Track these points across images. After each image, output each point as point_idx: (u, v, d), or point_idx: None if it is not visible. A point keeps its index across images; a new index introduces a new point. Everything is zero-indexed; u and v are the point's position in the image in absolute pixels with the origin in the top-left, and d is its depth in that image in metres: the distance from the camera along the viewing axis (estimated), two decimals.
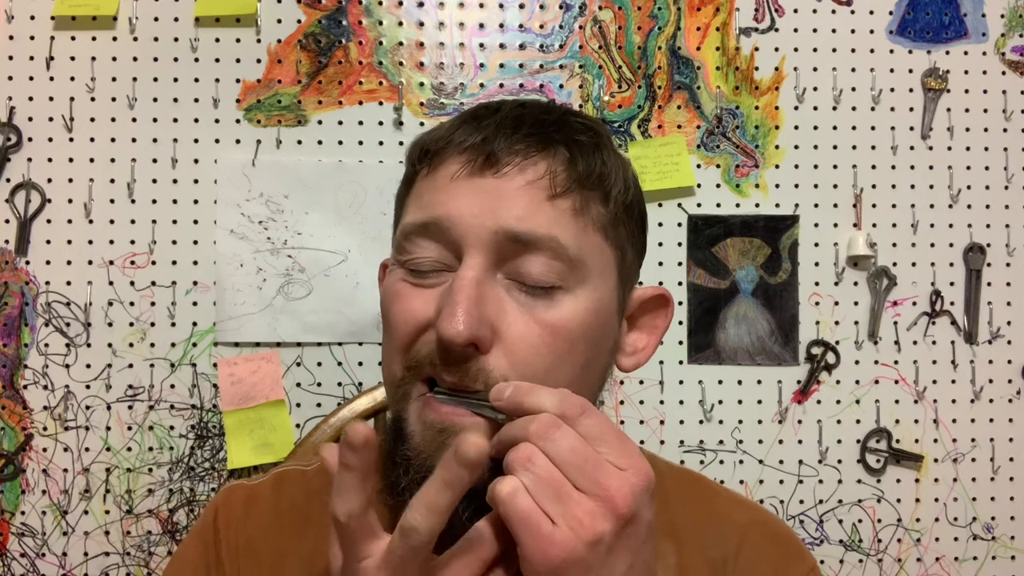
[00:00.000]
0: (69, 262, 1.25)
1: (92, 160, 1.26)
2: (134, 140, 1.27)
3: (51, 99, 1.26)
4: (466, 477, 0.44)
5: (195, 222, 1.26)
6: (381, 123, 1.29)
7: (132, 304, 1.25)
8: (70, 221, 1.25)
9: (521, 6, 1.31)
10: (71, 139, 1.26)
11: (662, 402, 1.30)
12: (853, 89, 1.34)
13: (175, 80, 1.27)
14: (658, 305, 0.68)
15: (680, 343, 1.30)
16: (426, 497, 0.45)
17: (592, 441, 0.47)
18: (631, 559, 0.47)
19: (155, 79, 1.27)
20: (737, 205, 1.31)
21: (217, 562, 0.70)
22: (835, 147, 1.33)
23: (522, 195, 0.58)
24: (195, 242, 1.26)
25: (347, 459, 0.46)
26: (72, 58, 1.27)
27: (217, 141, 1.27)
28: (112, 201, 1.26)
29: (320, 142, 1.28)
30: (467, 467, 0.44)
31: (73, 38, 1.27)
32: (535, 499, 0.45)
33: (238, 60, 1.28)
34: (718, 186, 1.31)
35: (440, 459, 0.48)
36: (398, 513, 0.52)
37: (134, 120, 1.27)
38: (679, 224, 1.31)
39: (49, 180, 1.25)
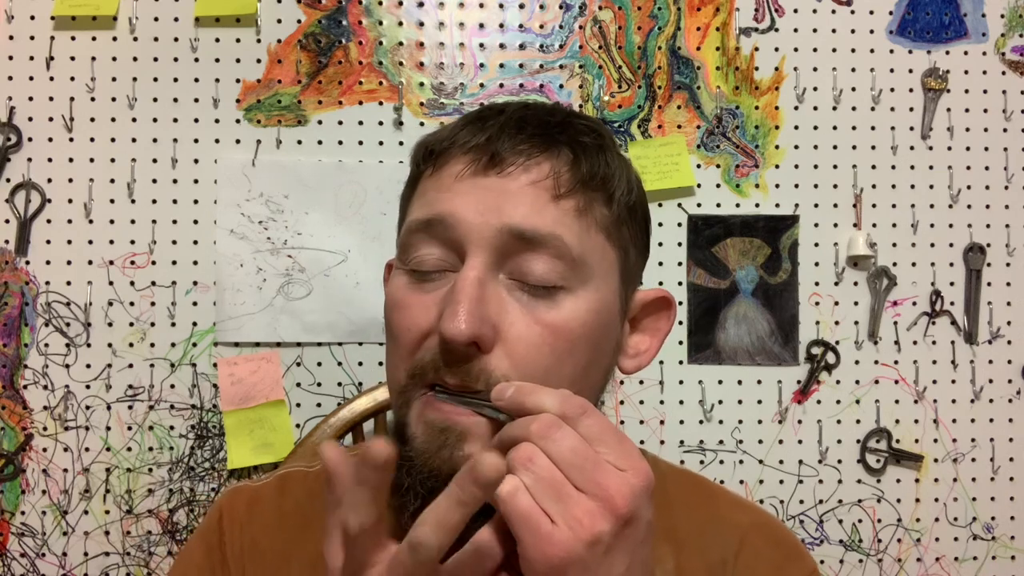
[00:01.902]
0: (69, 262, 1.25)
1: (92, 160, 1.26)
2: (134, 140, 1.27)
3: (51, 99, 1.26)
4: (480, 496, 0.45)
5: (195, 222, 1.26)
6: (381, 123, 1.29)
7: (132, 304, 1.25)
8: (70, 221, 1.25)
9: (521, 6, 1.31)
10: (71, 139, 1.26)
11: (662, 402, 1.30)
12: (853, 89, 1.34)
13: (175, 80, 1.27)
14: (660, 307, 0.68)
15: (680, 343, 1.30)
16: (437, 513, 0.45)
17: (592, 442, 0.47)
18: (629, 559, 0.47)
19: (155, 79, 1.27)
20: (737, 205, 1.31)
21: (222, 563, 0.70)
22: (835, 147, 1.33)
23: (526, 194, 0.58)
24: (195, 242, 1.26)
25: (364, 475, 0.46)
26: (72, 58, 1.27)
27: (217, 141, 1.27)
28: (112, 201, 1.26)
29: (320, 142, 1.28)
30: (482, 487, 0.45)
31: (73, 38, 1.27)
32: (535, 498, 0.46)
33: (238, 60, 1.28)
34: (718, 186, 1.31)
35: (442, 459, 0.48)
36: (400, 513, 0.52)
37: (134, 120, 1.27)
38: (679, 224, 1.31)
39: (49, 180, 1.25)
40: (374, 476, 0.46)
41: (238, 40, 1.28)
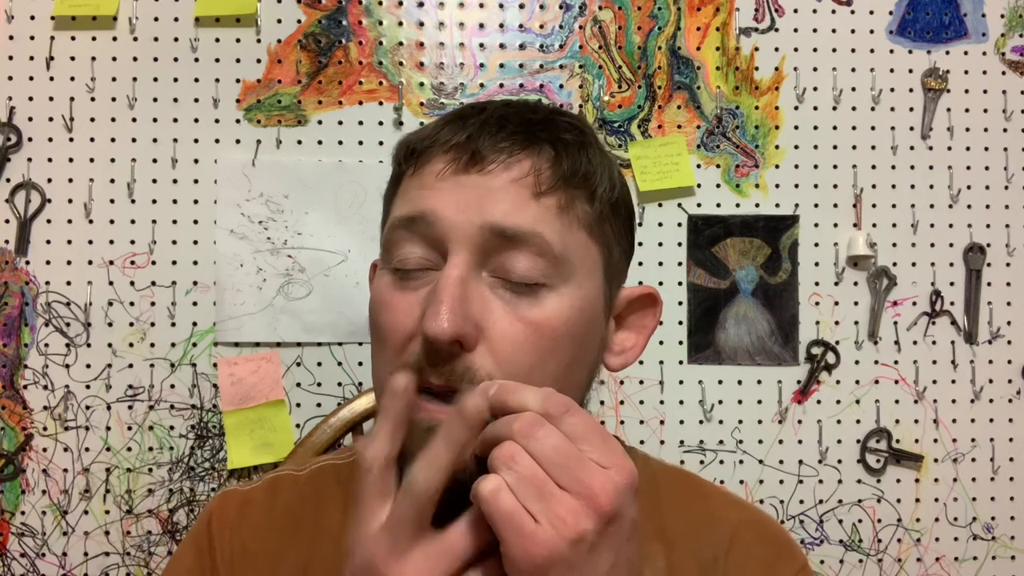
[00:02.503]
0: (69, 262, 1.25)
1: (92, 160, 1.26)
2: (134, 140, 1.27)
3: (51, 99, 1.26)
4: (464, 434, 0.47)
5: (195, 222, 1.26)
6: (381, 123, 1.29)
7: (132, 304, 1.25)
8: (70, 221, 1.25)
9: (521, 6, 1.31)
10: (71, 139, 1.26)
11: (662, 402, 1.30)
12: (853, 89, 1.34)
13: (175, 80, 1.28)
14: (646, 304, 0.68)
15: (680, 343, 1.30)
16: (427, 453, 0.48)
17: (575, 440, 0.47)
18: (614, 557, 0.47)
19: (155, 79, 1.27)
20: (737, 205, 1.31)
21: (212, 568, 0.70)
22: (835, 147, 1.33)
23: (507, 192, 0.58)
24: (195, 242, 1.26)
25: (386, 404, 0.50)
26: (72, 58, 1.27)
27: (217, 141, 1.27)
28: (112, 201, 1.26)
29: (320, 142, 1.28)
30: (464, 424, 0.47)
31: (73, 38, 1.27)
32: (518, 497, 0.46)
33: (238, 60, 1.28)
34: (718, 186, 1.31)
35: None
36: None
37: (134, 120, 1.27)
38: (679, 224, 1.31)
39: (49, 180, 1.26)
40: (394, 405, 0.50)
41: (238, 40, 1.28)
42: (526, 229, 0.57)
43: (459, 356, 0.55)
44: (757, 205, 1.32)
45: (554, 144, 0.61)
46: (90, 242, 1.25)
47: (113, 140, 1.27)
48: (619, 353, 0.67)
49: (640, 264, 1.30)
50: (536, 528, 0.45)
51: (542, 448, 0.46)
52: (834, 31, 1.34)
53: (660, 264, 1.30)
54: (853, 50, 1.34)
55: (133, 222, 1.26)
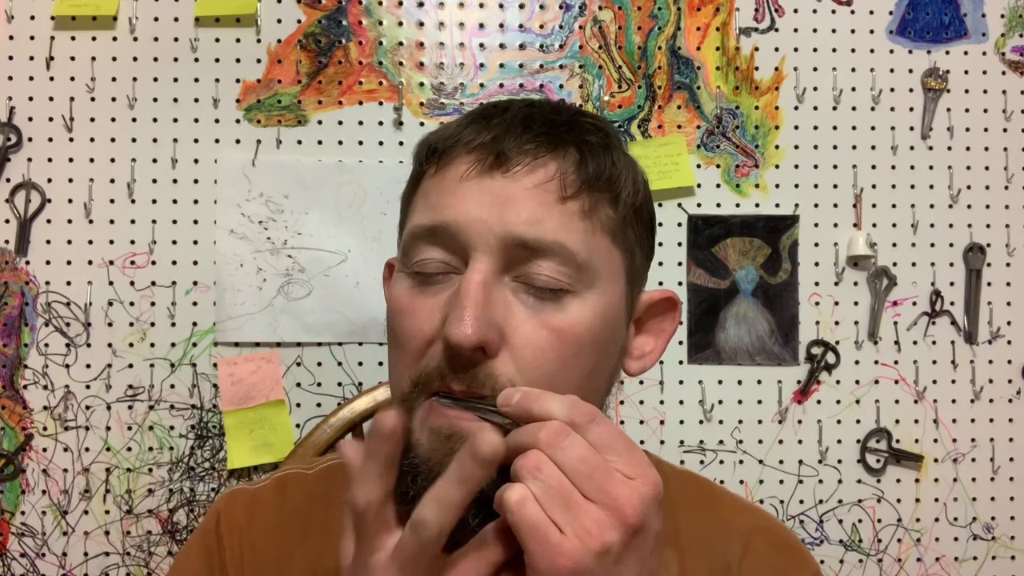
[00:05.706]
0: (69, 262, 1.25)
1: (92, 160, 1.26)
2: (134, 140, 1.27)
3: (51, 99, 1.26)
4: (479, 474, 0.45)
5: (195, 222, 1.26)
6: (381, 123, 1.29)
7: (132, 304, 1.25)
8: (70, 221, 1.25)
9: (521, 6, 1.31)
10: (71, 139, 1.26)
11: (662, 402, 1.30)
12: (853, 89, 1.34)
13: (175, 80, 1.27)
14: (666, 308, 0.67)
15: (680, 343, 1.30)
16: (438, 492, 0.45)
17: (601, 449, 0.47)
18: (638, 569, 0.46)
19: (155, 79, 1.27)
20: (737, 205, 1.31)
21: (221, 568, 0.70)
22: (835, 147, 1.33)
23: (531, 197, 0.57)
24: (195, 242, 1.26)
25: (374, 447, 0.47)
26: (72, 58, 1.27)
27: (217, 141, 1.27)
28: (112, 201, 1.26)
29: (320, 142, 1.28)
30: (481, 464, 0.44)
31: (73, 38, 1.27)
32: (543, 508, 0.45)
33: (238, 60, 1.28)
34: (718, 186, 1.31)
35: (449, 465, 0.48)
36: (406, 521, 0.52)
37: (134, 120, 1.27)
38: (679, 224, 1.31)
39: (49, 180, 1.25)
40: (383, 448, 0.46)
41: (238, 40, 1.28)
42: (549, 240, 0.56)
43: (481, 362, 0.54)
44: (757, 205, 1.32)
45: (579, 146, 0.60)
46: (90, 242, 1.25)
47: (113, 140, 1.27)
48: (638, 358, 0.66)
49: None
50: (562, 539, 0.44)
51: (568, 458, 0.46)
52: (834, 31, 1.34)
53: (660, 264, 1.30)
54: (853, 50, 1.34)
55: (133, 222, 1.26)
